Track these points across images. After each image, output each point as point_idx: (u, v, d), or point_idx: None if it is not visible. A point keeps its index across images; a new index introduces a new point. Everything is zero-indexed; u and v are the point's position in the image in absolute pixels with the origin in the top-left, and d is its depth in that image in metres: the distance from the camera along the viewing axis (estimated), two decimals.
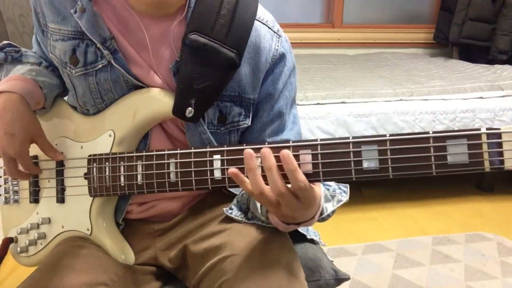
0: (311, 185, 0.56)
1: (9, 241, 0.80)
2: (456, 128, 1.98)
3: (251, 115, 0.74)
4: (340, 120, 1.88)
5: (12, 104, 0.67)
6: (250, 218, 0.72)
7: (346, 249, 1.72)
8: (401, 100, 1.97)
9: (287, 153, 0.54)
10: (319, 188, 0.61)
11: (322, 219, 0.71)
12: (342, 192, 0.75)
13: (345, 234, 1.85)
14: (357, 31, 3.11)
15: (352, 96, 1.94)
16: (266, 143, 0.57)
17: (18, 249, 0.79)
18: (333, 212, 0.71)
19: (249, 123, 0.74)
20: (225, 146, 0.60)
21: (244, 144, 0.58)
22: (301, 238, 0.82)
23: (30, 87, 0.71)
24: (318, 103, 1.91)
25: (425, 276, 1.55)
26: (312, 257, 0.80)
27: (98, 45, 0.66)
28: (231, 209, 0.73)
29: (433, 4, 3.20)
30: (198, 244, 0.71)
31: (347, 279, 0.80)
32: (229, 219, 0.73)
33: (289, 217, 0.61)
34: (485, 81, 2.14)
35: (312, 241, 0.83)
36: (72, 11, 0.66)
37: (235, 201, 0.74)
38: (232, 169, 0.56)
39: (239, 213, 0.73)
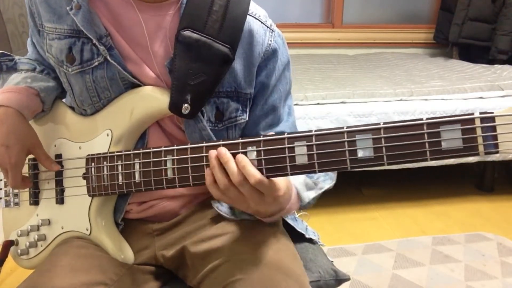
0: (270, 179, 0.57)
1: (9, 243, 0.80)
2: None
3: (248, 110, 0.75)
4: (340, 120, 1.88)
5: (7, 117, 0.68)
6: (238, 215, 0.73)
7: (346, 249, 1.72)
8: (401, 100, 1.97)
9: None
10: (284, 181, 0.61)
11: (304, 207, 0.72)
12: (327, 179, 0.75)
13: (345, 234, 1.85)
14: (357, 31, 3.10)
15: (352, 96, 1.94)
16: (262, 136, 0.58)
17: (19, 251, 0.79)
18: (314, 199, 0.72)
19: (247, 118, 0.75)
20: (220, 140, 0.60)
21: (240, 138, 0.59)
22: (300, 238, 0.82)
23: (24, 99, 0.71)
24: (318, 103, 1.91)
25: (425, 276, 1.55)
26: (312, 258, 0.80)
27: (94, 42, 0.66)
28: (221, 205, 0.74)
29: (433, 4, 3.20)
30: (197, 245, 0.71)
31: (347, 279, 0.80)
32: (229, 223, 0.73)
33: (261, 213, 0.63)
34: (485, 81, 2.13)
35: (310, 240, 0.84)
36: (68, 8, 0.67)
37: None
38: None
39: (228, 210, 0.74)
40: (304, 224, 0.86)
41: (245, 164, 0.56)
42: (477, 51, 2.79)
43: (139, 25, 0.68)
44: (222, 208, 0.74)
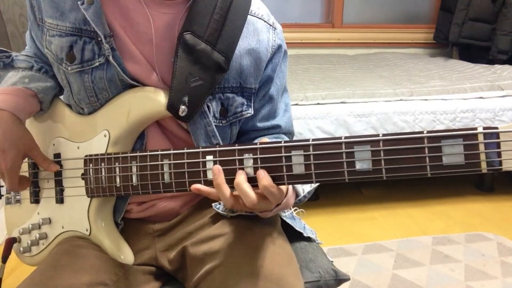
0: (280, 188, 0.57)
1: (12, 241, 0.81)
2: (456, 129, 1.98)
3: (252, 104, 0.76)
4: (340, 120, 1.88)
5: (2, 121, 0.67)
6: (235, 211, 0.73)
7: (346, 249, 1.72)
8: (401, 100, 1.97)
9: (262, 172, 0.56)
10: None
11: (299, 201, 0.72)
12: None
13: (345, 234, 1.85)
14: (357, 31, 3.11)
15: (352, 96, 1.94)
16: (259, 143, 0.57)
17: (21, 249, 0.80)
18: (309, 193, 0.72)
19: (252, 112, 0.76)
20: (217, 146, 0.60)
21: (236, 145, 0.58)
22: (298, 237, 0.82)
23: (21, 101, 0.70)
24: (318, 103, 1.91)
25: (425, 276, 1.55)
26: (312, 258, 0.80)
27: (100, 38, 0.66)
28: (219, 203, 0.74)
29: (433, 4, 3.20)
30: (197, 247, 0.71)
31: (347, 279, 0.80)
32: (229, 222, 0.73)
33: (257, 210, 0.63)
34: (485, 81, 2.13)
35: (308, 239, 0.84)
36: (79, 2, 0.66)
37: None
38: (195, 186, 0.59)
39: (224, 207, 0.74)
40: (302, 223, 0.86)
41: (266, 184, 0.55)
42: (477, 51, 2.79)
43: (148, 22, 0.68)
44: (220, 207, 0.74)
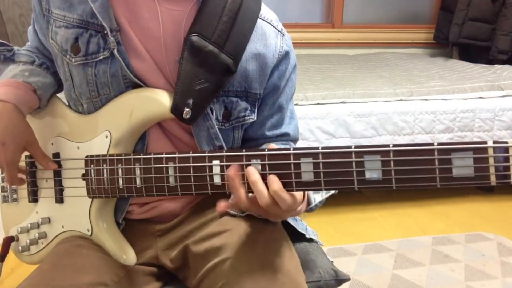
0: (292, 194, 0.57)
1: (10, 240, 0.80)
2: (456, 128, 1.98)
3: (256, 110, 0.75)
4: (340, 120, 1.88)
5: (5, 113, 0.67)
6: (244, 211, 0.73)
7: (346, 249, 1.72)
8: (401, 100, 1.98)
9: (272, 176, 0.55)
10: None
11: (310, 209, 0.72)
12: None
13: (345, 234, 1.85)
14: (357, 31, 3.10)
15: (352, 96, 1.94)
16: (267, 150, 0.57)
17: (20, 248, 0.79)
18: (321, 202, 0.72)
19: (255, 118, 0.76)
20: (224, 151, 0.59)
21: (244, 150, 0.58)
22: (300, 238, 0.82)
23: (22, 94, 0.70)
24: (318, 103, 1.91)
25: (425, 276, 1.55)
26: (313, 258, 0.80)
27: (106, 31, 0.66)
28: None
29: (433, 4, 3.20)
30: (199, 245, 0.71)
31: (347, 279, 0.80)
32: (230, 220, 0.73)
33: (271, 216, 0.63)
34: (485, 81, 2.14)
35: (310, 240, 0.84)
36: None
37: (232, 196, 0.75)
38: (222, 207, 0.59)
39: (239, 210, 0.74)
40: (304, 224, 0.86)
41: (276, 188, 0.55)
42: (477, 51, 2.79)
43: (155, 17, 0.68)
44: None
